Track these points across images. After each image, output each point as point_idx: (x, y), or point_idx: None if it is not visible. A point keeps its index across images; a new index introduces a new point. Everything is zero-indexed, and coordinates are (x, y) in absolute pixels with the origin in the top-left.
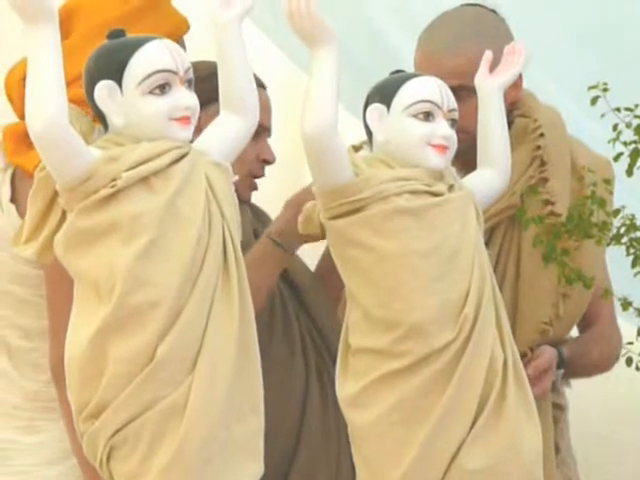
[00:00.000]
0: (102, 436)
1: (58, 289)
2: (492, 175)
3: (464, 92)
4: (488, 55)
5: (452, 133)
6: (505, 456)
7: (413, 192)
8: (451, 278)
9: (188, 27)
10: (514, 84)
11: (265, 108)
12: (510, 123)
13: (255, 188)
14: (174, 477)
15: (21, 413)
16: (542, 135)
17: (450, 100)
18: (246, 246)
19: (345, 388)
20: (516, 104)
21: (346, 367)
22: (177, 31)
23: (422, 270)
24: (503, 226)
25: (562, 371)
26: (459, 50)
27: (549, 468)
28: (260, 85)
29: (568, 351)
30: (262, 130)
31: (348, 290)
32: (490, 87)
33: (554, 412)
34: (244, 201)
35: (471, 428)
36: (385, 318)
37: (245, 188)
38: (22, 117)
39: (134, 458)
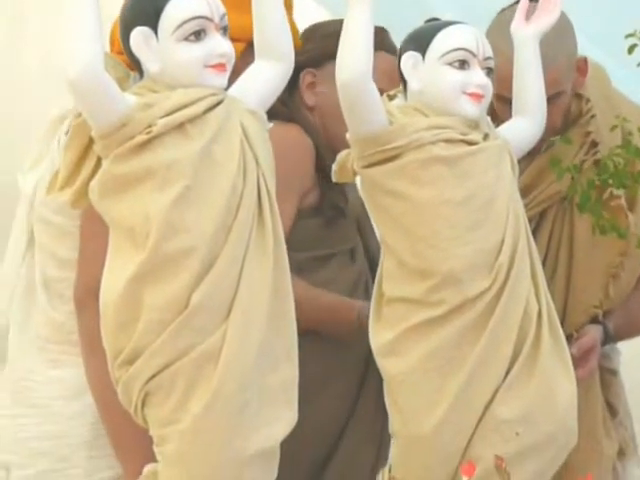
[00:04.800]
0: (137, 382)
1: (92, 218)
2: (527, 124)
3: (556, 96)
4: (524, 3)
5: (487, 81)
6: (539, 405)
7: (448, 140)
8: (485, 227)
9: (299, 42)
10: (582, 72)
11: (384, 72)
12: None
13: None
14: (208, 424)
15: (51, 346)
16: (593, 117)
17: (486, 48)
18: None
19: (379, 337)
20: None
21: (380, 316)
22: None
23: (456, 219)
24: (552, 211)
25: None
26: (553, 63)
27: (598, 434)
28: (389, 49)
29: (614, 324)
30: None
31: (382, 239)
32: (526, 35)
33: (606, 376)
34: None
35: (505, 377)
36: (419, 267)
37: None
38: None
39: (168, 404)
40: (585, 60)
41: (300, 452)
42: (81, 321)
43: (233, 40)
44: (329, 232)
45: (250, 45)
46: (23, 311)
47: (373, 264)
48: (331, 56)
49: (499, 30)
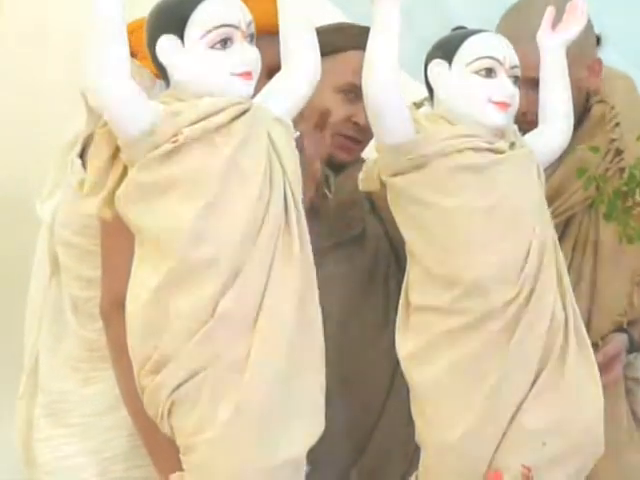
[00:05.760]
0: (163, 391)
1: (112, 234)
2: (553, 133)
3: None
4: (551, 11)
5: (514, 90)
6: (566, 415)
7: (475, 149)
8: (512, 236)
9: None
10: (594, 72)
11: None
12: (589, 108)
13: (351, 149)
14: (235, 433)
15: (82, 365)
16: (617, 124)
17: (512, 57)
18: (350, 200)
19: (405, 345)
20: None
21: (406, 324)
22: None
23: (483, 228)
24: (577, 220)
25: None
26: None
27: (623, 443)
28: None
29: (638, 333)
30: (360, 93)
31: (408, 247)
32: (552, 44)
33: (630, 384)
34: (344, 163)
35: (532, 387)
36: (445, 275)
37: (337, 149)
38: None
39: (195, 414)
40: (599, 61)
41: (327, 456)
42: (109, 334)
43: None
44: (318, 226)
45: None
46: (53, 336)
47: (395, 245)
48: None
49: (515, 13)
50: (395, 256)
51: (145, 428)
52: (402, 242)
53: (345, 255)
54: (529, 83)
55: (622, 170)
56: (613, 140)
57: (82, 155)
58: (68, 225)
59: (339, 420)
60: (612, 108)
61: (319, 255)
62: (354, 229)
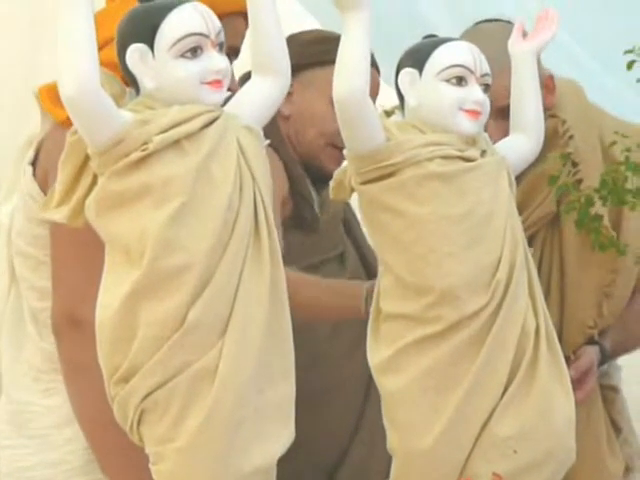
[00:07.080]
0: (133, 400)
1: (61, 245)
2: (525, 140)
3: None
4: (521, 22)
5: (485, 98)
6: (537, 423)
7: (445, 157)
8: (483, 244)
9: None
10: (550, 90)
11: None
12: None
13: (341, 161)
14: (204, 441)
15: (43, 376)
16: (571, 137)
17: (483, 65)
18: (335, 219)
19: (377, 354)
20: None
21: (377, 333)
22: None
23: (453, 236)
24: (542, 234)
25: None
26: (503, 70)
27: (603, 453)
28: (373, 65)
29: (610, 343)
30: None
31: (379, 256)
32: (523, 52)
33: (608, 394)
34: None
35: (503, 395)
36: (416, 284)
37: (328, 160)
38: None
39: (165, 422)
40: (552, 77)
41: (306, 466)
42: (60, 350)
43: None
44: (310, 242)
45: None
46: (14, 344)
47: (367, 267)
48: (307, 64)
49: (480, 37)
50: (367, 276)
51: (99, 445)
52: (374, 262)
53: (331, 272)
54: (502, 113)
55: (579, 182)
56: (568, 154)
57: (35, 161)
58: (21, 234)
59: (320, 428)
60: (564, 122)
61: (310, 271)
62: (338, 247)
